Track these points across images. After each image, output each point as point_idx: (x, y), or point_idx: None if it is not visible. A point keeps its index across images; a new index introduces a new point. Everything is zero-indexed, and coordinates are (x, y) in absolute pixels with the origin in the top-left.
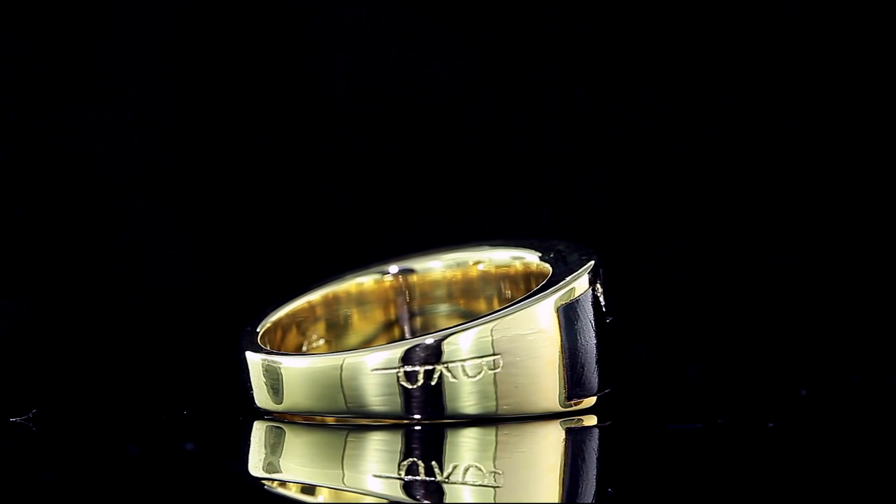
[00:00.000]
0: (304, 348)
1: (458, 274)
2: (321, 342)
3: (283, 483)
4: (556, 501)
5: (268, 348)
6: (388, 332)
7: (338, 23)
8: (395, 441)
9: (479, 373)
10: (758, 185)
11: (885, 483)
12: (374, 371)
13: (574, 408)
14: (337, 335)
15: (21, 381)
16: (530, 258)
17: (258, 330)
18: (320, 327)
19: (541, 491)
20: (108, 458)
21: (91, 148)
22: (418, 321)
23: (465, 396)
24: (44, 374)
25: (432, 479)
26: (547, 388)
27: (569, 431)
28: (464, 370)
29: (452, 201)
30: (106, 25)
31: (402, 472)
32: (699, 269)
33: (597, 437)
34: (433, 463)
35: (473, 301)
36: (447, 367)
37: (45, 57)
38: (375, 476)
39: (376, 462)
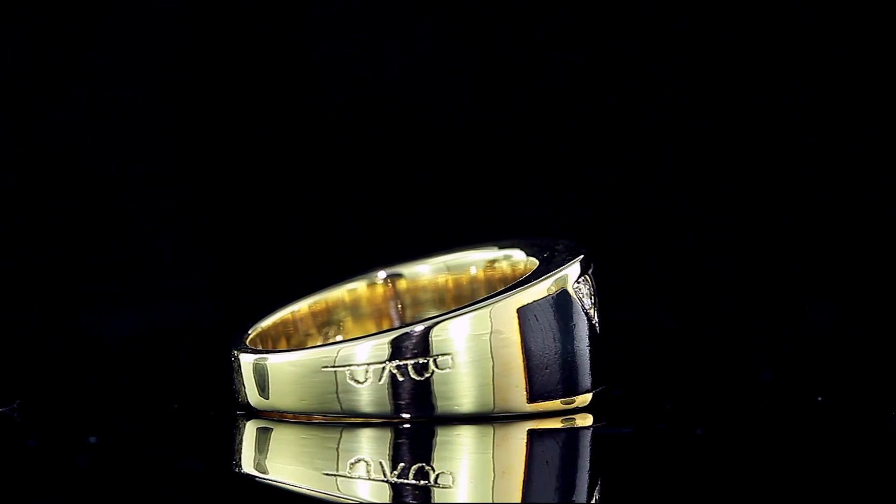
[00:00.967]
0: None
1: (450, 278)
2: None
3: (242, 476)
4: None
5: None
6: None
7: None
8: (351, 439)
9: (429, 372)
10: (757, 186)
11: (884, 484)
12: (324, 369)
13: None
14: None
15: (13, 375)
16: (519, 257)
17: (246, 338)
18: (311, 338)
19: (485, 493)
20: (92, 455)
21: (89, 147)
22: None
23: (410, 395)
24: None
25: (380, 478)
26: (505, 389)
27: (531, 433)
28: (413, 369)
29: (452, 202)
30: (105, 24)
31: (350, 471)
32: (698, 268)
33: (562, 440)
34: (381, 462)
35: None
36: (396, 366)
37: (44, 56)
38: (326, 474)
39: (329, 460)
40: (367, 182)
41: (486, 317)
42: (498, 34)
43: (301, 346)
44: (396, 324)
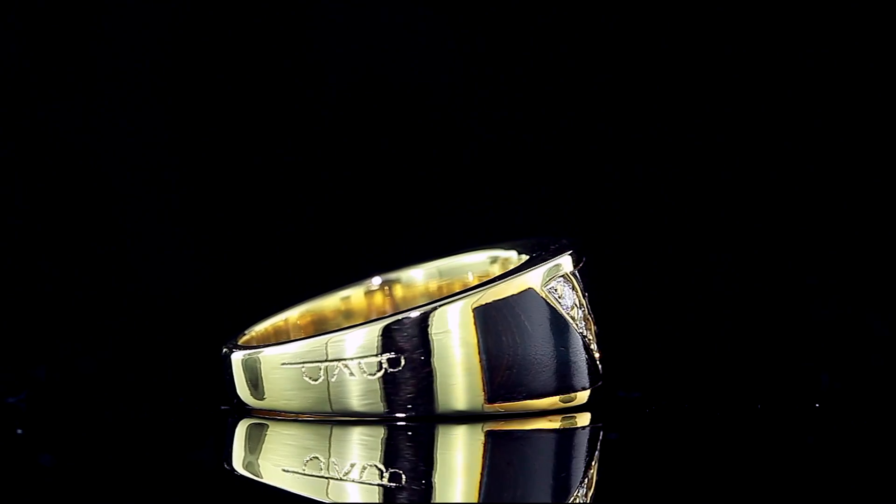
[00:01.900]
0: None
1: (443, 284)
2: None
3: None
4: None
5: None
6: None
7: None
8: (308, 437)
9: (379, 371)
10: (755, 187)
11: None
12: (284, 365)
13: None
14: None
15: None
16: (513, 259)
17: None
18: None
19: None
20: (89, 451)
21: (84, 150)
22: None
23: (363, 394)
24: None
25: (329, 476)
26: (459, 389)
27: (488, 434)
28: (360, 367)
29: (453, 203)
30: (104, 22)
31: (305, 468)
32: (698, 267)
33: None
34: (333, 460)
35: None
36: (346, 365)
37: (43, 54)
38: (284, 470)
39: (287, 457)
40: (366, 184)
41: (439, 317)
42: (497, 35)
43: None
44: None
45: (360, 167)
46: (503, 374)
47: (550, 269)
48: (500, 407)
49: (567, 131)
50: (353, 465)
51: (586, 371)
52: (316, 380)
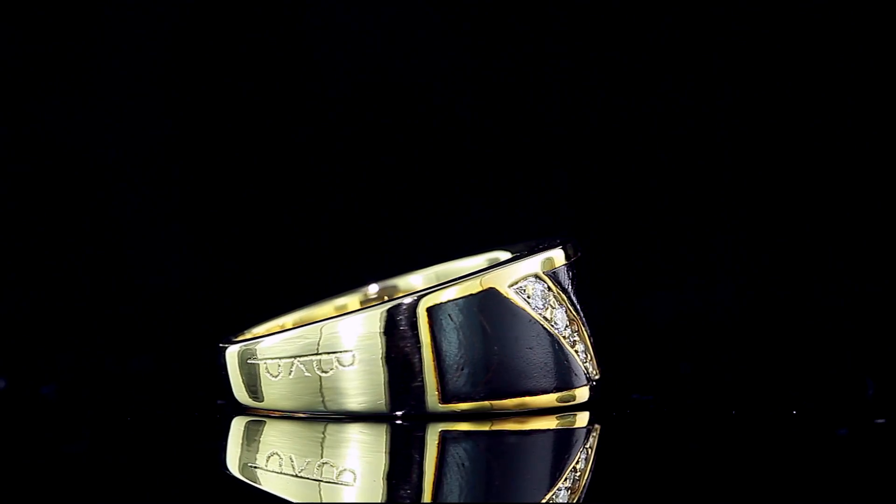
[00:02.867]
0: None
1: None
2: None
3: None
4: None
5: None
6: None
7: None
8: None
9: (332, 369)
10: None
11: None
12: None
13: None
14: None
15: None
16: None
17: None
18: None
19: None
20: (85, 450)
21: (85, 146)
22: None
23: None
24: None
25: (285, 472)
26: (409, 389)
27: (443, 434)
28: (319, 365)
29: (451, 205)
30: (103, 19)
31: (266, 463)
32: (696, 266)
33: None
34: (290, 456)
35: None
36: (301, 362)
37: (42, 53)
38: (248, 465)
39: (252, 452)
40: (363, 186)
41: (386, 316)
42: (496, 36)
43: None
44: None
45: (360, 169)
46: (458, 374)
47: (514, 269)
48: (455, 407)
49: (566, 131)
50: (308, 462)
51: (563, 372)
52: (276, 376)
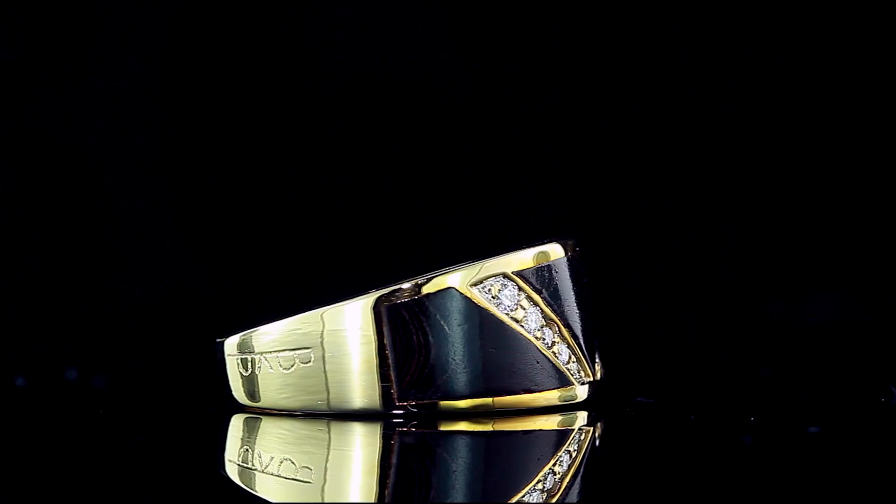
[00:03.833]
0: None
1: None
2: None
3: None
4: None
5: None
6: None
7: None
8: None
9: (292, 365)
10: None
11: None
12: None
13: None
14: None
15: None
16: None
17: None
18: None
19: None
20: (82, 449)
21: (84, 145)
22: None
23: (279, 388)
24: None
25: (252, 467)
26: (361, 387)
27: (398, 434)
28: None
29: (452, 208)
30: (100, 18)
31: (239, 459)
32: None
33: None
34: (258, 453)
35: None
36: (265, 357)
37: (41, 52)
38: (228, 460)
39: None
40: (363, 186)
41: (336, 315)
42: (496, 36)
43: None
44: None
45: (360, 169)
46: (413, 373)
47: (477, 270)
48: (409, 406)
49: (567, 132)
50: (272, 458)
51: (534, 374)
52: (247, 373)
